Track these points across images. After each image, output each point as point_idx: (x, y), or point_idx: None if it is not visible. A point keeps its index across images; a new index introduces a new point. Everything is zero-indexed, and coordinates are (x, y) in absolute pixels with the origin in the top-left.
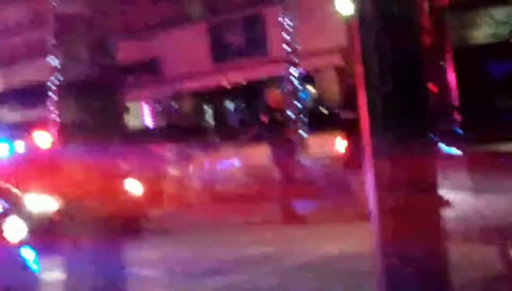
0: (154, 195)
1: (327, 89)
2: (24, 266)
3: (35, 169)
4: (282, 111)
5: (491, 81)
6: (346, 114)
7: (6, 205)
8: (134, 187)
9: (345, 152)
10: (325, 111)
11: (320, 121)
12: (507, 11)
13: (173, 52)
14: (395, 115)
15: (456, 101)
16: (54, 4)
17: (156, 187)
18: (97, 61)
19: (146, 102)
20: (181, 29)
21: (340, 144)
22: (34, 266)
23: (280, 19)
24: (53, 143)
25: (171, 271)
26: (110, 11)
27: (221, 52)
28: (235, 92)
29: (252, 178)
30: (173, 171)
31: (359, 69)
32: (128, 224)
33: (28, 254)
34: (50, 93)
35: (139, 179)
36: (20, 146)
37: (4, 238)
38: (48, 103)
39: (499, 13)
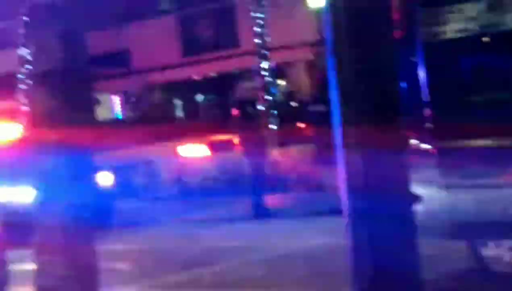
0: (124, 187)
1: (298, 83)
2: None
3: (6, 160)
4: (253, 104)
5: (461, 76)
6: (316, 108)
7: None
8: (105, 178)
9: (314, 145)
10: (295, 105)
11: (290, 114)
12: (478, 6)
13: (143, 44)
14: (368, 109)
15: (426, 96)
16: None
17: (128, 178)
18: (68, 52)
19: (116, 94)
20: (151, 21)
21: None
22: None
23: (251, 12)
24: (22, 135)
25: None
26: (81, 2)
27: (191, 45)
28: (205, 85)
29: (223, 170)
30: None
31: (331, 63)
32: (98, 216)
33: None
34: (19, 84)
35: (108, 169)
36: None
37: None
38: (17, 94)
39: (469, 8)
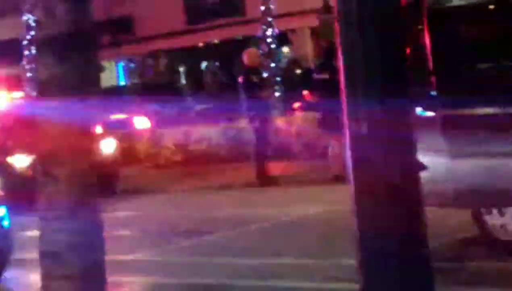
0: (128, 154)
1: (302, 50)
2: None
3: (7, 126)
4: (258, 72)
5: (466, 43)
6: (320, 75)
7: None
8: (109, 145)
9: (319, 113)
10: (300, 72)
11: (294, 82)
12: None
13: (148, 11)
14: (374, 76)
15: (430, 64)
16: None
17: (131, 146)
18: (73, 17)
19: (120, 61)
20: None
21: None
22: (4, 222)
23: None
24: (24, 98)
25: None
26: None
27: (196, 12)
28: (210, 52)
29: (227, 139)
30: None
31: (337, 28)
32: (102, 182)
33: None
34: (24, 50)
35: (114, 137)
36: None
37: None
38: (22, 60)
39: None
